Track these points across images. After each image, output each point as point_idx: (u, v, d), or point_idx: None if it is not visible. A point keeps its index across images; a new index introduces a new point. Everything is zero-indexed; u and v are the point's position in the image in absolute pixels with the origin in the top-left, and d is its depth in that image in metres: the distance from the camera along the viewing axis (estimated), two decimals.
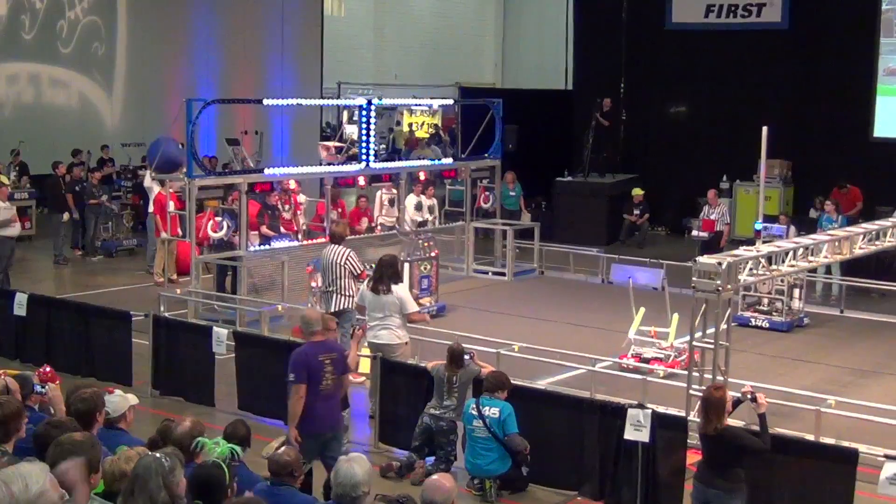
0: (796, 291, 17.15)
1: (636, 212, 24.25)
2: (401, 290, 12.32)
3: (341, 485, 6.29)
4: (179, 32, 27.36)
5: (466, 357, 11.16)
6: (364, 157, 18.83)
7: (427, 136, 31.55)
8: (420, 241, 17.18)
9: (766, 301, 17.22)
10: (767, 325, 16.92)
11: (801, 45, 24.47)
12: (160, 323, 13.59)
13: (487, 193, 21.57)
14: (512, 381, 10.74)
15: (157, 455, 5.45)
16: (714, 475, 8.85)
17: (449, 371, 10.95)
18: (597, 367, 13.21)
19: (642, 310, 14.92)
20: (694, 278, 11.33)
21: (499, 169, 21.48)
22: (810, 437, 10.95)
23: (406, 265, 16.03)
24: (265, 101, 19.62)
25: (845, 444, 10.35)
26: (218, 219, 17.22)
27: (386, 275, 12.21)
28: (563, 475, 10.57)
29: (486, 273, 20.52)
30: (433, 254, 17.20)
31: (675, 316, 14.48)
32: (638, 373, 13.59)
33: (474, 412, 10.44)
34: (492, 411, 10.36)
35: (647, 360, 14.24)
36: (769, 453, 9.07)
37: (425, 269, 16.99)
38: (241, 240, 16.86)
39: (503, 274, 20.39)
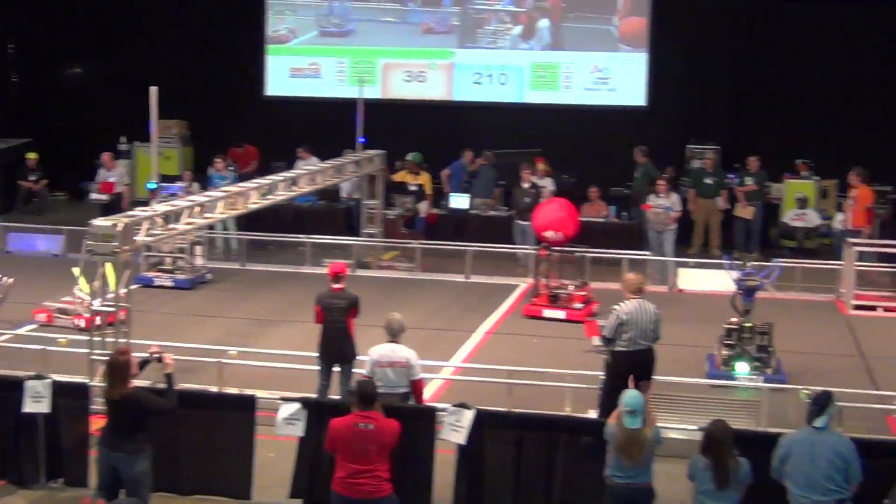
0: (197, 248, 17.45)
1: (32, 177, 23.27)
2: None
3: None
4: None
5: None
6: None
7: None
8: None
9: (168, 260, 17.34)
10: (172, 283, 17.06)
11: (193, 3, 24.68)
12: None
13: None
14: None
15: None
16: (120, 438, 8.78)
17: None
18: None
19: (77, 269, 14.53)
20: (89, 242, 11.12)
21: None
22: (215, 389, 11.24)
23: None
24: None
25: (247, 391, 10.70)
26: None
27: None
28: None
29: None
30: None
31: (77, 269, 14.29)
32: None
33: None
34: None
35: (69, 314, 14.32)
36: (175, 410, 9.15)
37: None
38: None
39: None
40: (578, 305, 15.65)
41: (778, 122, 22.13)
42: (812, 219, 20.29)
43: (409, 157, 20.60)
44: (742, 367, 12.67)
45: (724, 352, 12.94)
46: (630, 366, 10.52)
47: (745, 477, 8.12)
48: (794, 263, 17.42)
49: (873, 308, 16.57)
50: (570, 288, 16.03)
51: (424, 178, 20.47)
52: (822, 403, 8.18)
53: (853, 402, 11.06)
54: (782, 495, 8.18)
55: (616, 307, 10.76)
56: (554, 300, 15.85)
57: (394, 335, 10.22)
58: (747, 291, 12.99)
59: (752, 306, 13.01)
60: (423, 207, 20.30)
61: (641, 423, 8.37)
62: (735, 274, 13.22)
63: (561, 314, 15.52)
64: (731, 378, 12.60)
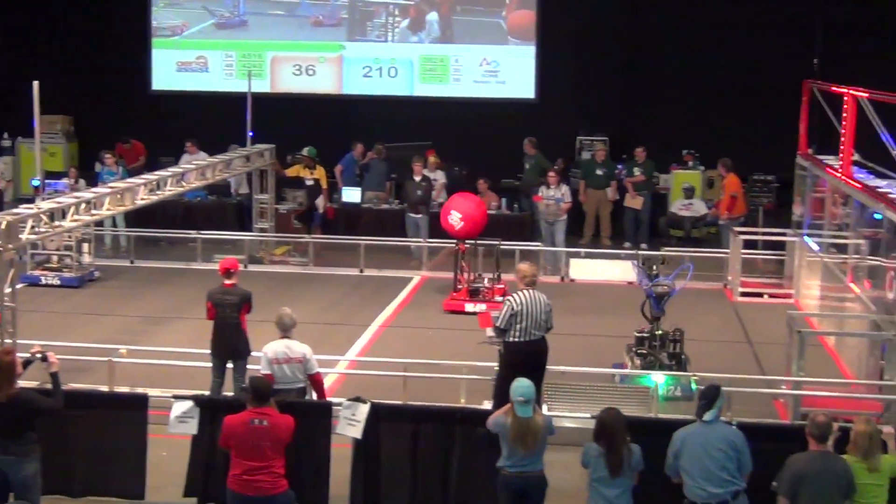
0: (85, 246, 17.14)
1: None
2: None
3: None
4: None
5: None
6: None
7: None
8: None
9: (55, 258, 16.99)
10: (59, 282, 16.72)
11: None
12: None
13: None
14: None
15: None
16: (7, 441, 8.58)
17: None
18: None
19: None
20: None
21: None
22: (105, 389, 11.06)
23: None
24: None
25: (139, 390, 10.55)
26: None
27: None
28: None
29: None
30: None
31: None
32: None
33: None
34: None
35: None
36: (63, 410, 8.97)
37: None
38: None
39: None
40: (499, 298, 15.44)
41: (665, 114, 22.49)
42: (699, 208, 20.66)
43: (305, 151, 20.45)
44: (657, 379, 11.76)
45: (637, 361, 12.57)
46: (524, 356, 10.60)
47: (637, 463, 8.25)
48: (682, 252, 17.75)
49: (759, 295, 16.98)
50: (486, 281, 16.00)
51: (321, 173, 20.34)
52: (710, 397, 8.33)
53: (742, 387, 11.34)
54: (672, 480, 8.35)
55: (509, 298, 10.84)
56: (474, 294, 15.78)
57: (285, 330, 10.15)
58: (657, 298, 12.65)
59: (663, 314, 12.71)
60: (321, 202, 20.24)
61: (532, 411, 8.46)
62: (643, 280, 12.89)
63: (482, 308, 15.26)
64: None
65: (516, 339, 10.67)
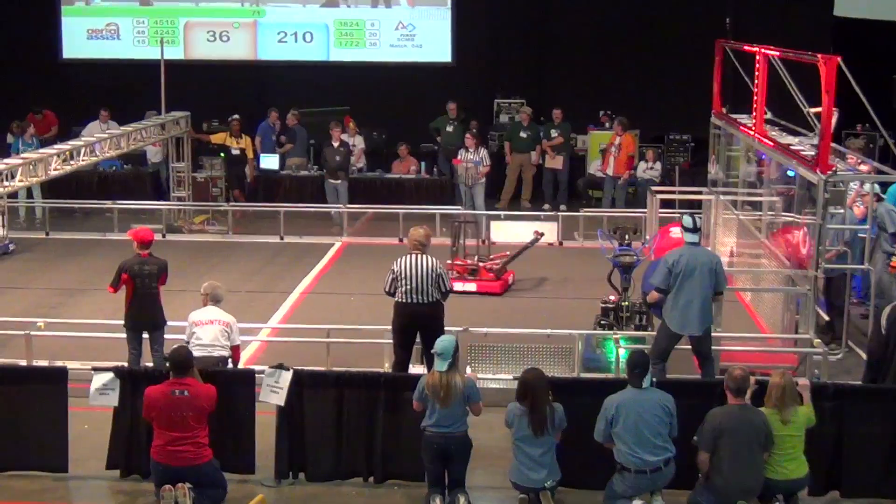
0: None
1: None
2: None
3: None
4: None
5: None
6: None
7: None
8: None
9: None
10: None
11: None
12: None
13: None
14: None
15: None
16: None
17: None
18: None
19: None
20: None
21: None
22: (23, 363, 10.90)
23: None
24: None
25: (58, 363, 10.42)
26: None
27: None
28: None
29: None
30: None
31: None
32: None
33: None
34: None
35: None
36: None
37: None
38: None
39: None
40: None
41: (580, 75, 22.59)
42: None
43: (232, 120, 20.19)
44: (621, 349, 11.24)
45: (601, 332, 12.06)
46: (408, 318, 10.57)
47: (560, 421, 8.35)
48: (602, 213, 17.93)
49: None
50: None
51: (247, 142, 20.18)
52: (643, 365, 8.40)
53: None
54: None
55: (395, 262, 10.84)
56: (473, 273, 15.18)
57: (215, 301, 10.35)
58: (624, 268, 12.36)
59: (630, 283, 12.35)
60: (249, 171, 20.11)
61: (448, 366, 8.51)
62: (608, 249, 12.66)
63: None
64: (602, 361, 11.58)
65: (401, 301, 10.65)
